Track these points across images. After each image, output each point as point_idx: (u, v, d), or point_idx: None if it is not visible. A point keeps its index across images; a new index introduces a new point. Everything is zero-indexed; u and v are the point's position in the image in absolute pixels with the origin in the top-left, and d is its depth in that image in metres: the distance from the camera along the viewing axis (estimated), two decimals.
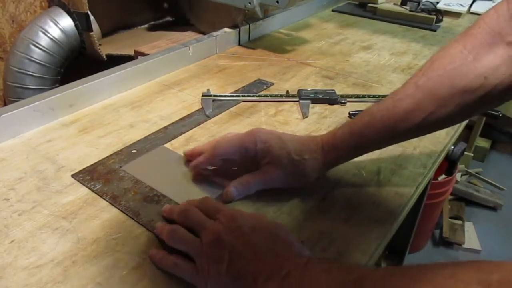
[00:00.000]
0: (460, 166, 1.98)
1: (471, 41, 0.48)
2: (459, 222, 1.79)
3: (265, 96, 0.79)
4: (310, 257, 0.41)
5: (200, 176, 0.57)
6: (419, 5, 1.26)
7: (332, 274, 0.36)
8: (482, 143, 2.20)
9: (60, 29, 0.97)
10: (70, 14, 0.98)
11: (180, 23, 1.22)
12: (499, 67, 0.46)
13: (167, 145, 0.64)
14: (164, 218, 0.50)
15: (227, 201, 0.53)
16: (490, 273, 0.28)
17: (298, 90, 0.79)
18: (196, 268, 0.43)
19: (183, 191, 0.55)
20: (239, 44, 1.03)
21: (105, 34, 1.10)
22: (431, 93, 0.48)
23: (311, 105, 0.76)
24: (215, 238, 0.42)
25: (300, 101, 0.77)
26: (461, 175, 2.03)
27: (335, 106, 0.78)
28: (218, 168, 0.57)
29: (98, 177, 0.56)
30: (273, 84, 0.85)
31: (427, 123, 0.49)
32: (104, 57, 1.02)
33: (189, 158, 0.59)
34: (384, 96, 0.80)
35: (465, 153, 1.88)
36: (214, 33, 0.97)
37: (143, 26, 1.27)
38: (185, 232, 0.45)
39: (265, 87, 0.83)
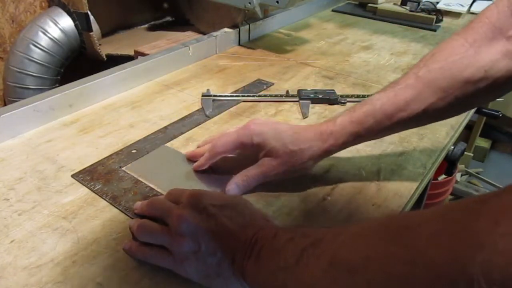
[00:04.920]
0: (460, 166, 1.98)
1: (472, 35, 0.49)
2: None
3: (265, 96, 0.79)
4: (278, 227, 0.41)
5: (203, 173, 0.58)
6: (419, 5, 1.26)
7: (295, 242, 0.37)
8: (482, 143, 2.20)
9: (60, 29, 0.97)
10: (70, 14, 0.98)
11: (180, 23, 1.22)
12: (499, 61, 0.47)
13: (167, 145, 0.64)
14: (138, 215, 0.49)
15: None
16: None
17: (298, 90, 0.79)
18: (172, 254, 0.42)
19: None
20: (239, 44, 1.03)
21: (105, 34, 1.10)
22: (432, 84, 0.49)
23: (311, 105, 0.76)
24: (180, 221, 0.42)
25: (300, 101, 0.77)
26: (461, 175, 2.03)
27: (335, 106, 0.78)
28: (220, 165, 0.57)
29: (98, 177, 0.56)
30: (273, 84, 0.85)
31: (426, 113, 0.49)
32: (104, 57, 1.02)
33: (190, 159, 0.60)
34: None
35: (465, 153, 1.88)
36: (214, 33, 0.97)
37: (143, 26, 1.27)
38: (152, 224, 0.45)
39: (265, 87, 0.83)
